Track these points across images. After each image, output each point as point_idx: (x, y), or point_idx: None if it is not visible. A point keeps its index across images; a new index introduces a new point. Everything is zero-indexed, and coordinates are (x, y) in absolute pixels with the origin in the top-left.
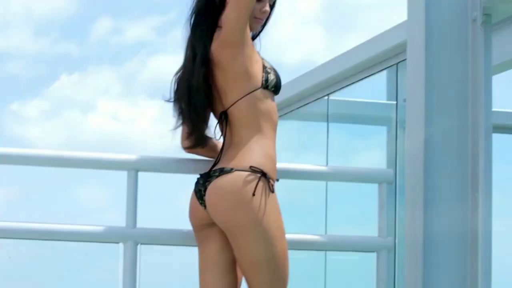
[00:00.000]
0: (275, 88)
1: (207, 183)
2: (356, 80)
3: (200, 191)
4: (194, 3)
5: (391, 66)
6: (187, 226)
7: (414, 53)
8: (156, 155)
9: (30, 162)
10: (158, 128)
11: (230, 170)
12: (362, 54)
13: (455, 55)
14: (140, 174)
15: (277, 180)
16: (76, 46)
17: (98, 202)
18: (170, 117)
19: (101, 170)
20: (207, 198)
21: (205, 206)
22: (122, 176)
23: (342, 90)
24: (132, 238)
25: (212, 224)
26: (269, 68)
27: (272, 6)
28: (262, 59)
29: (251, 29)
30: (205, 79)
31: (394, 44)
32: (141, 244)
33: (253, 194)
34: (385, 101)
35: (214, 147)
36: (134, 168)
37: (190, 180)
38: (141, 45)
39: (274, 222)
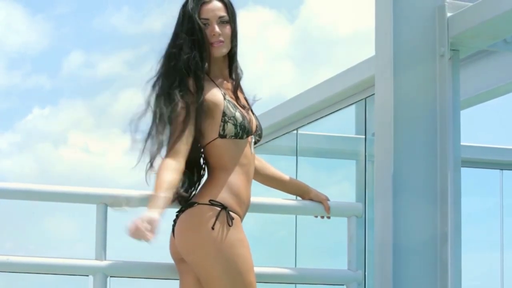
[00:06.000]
0: (235, 135)
1: (177, 218)
2: (325, 114)
3: (173, 226)
4: None
5: (359, 100)
6: (156, 258)
7: (382, 87)
8: (126, 188)
9: (0, 195)
10: (130, 161)
11: (193, 204)
12: (331, 89)
13: (423, 90)
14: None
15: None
16: (48, 79)
17: (68, 234)
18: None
19: (71, 204)
20: (175, 232)
21: None
22: (92, 208)
23: (311, 124)
24: (102, 270)
25: None
26: (229, 116)
27: (231, 22)
28: (227, 102)
29: (216, 55)
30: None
31: (362, 78)
32: (111, 276)
33: (212, 228)
34: (353, 135)
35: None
36: (103, 202)
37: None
38: (113, 78)
39: (236, 256)
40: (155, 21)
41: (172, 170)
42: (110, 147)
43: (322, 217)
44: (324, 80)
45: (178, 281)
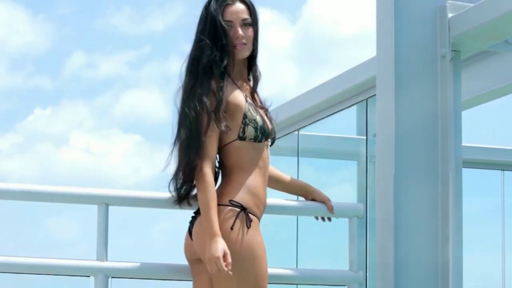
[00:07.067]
0: (255, 138)
1: (194, 219)
2: (326, 115)
3: (190, 227)
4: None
5: (361, 101)
6: (158, 259)
7: (384, 88)
8: (128, 189)
9: (1, 196)
10: (131, 162)
11: None
12: (332, 89)
13: (424, 91)
14: (111, 207)
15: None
16: (49, 80)
17: (70, 235)
18: (142, 151)
19: (72, 204)
20: (192, 232)
21: None
22: (93, 209)
23: (312, 125)
24: (103, 271)
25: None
26: (250, 119)
27: (253, 24)
28: (248, 105)
29: (238, 57)
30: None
31: (363, 79)
32: (112, 277)
33: (231, 228)
34: (355, 136)
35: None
36: (104, 202)
37: (161, 214)
38: (114, 79)
39: (252, 258)
40: (156, 22)
41: (213, 183)
42: (111, 147)
43: (323, 219)
44: (325, 80)
45: (179, 281)
